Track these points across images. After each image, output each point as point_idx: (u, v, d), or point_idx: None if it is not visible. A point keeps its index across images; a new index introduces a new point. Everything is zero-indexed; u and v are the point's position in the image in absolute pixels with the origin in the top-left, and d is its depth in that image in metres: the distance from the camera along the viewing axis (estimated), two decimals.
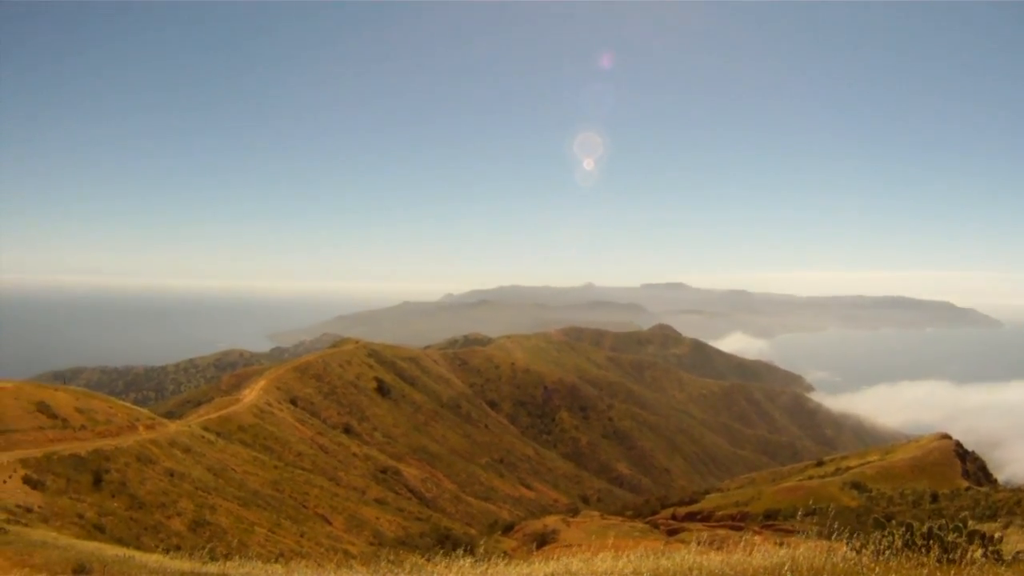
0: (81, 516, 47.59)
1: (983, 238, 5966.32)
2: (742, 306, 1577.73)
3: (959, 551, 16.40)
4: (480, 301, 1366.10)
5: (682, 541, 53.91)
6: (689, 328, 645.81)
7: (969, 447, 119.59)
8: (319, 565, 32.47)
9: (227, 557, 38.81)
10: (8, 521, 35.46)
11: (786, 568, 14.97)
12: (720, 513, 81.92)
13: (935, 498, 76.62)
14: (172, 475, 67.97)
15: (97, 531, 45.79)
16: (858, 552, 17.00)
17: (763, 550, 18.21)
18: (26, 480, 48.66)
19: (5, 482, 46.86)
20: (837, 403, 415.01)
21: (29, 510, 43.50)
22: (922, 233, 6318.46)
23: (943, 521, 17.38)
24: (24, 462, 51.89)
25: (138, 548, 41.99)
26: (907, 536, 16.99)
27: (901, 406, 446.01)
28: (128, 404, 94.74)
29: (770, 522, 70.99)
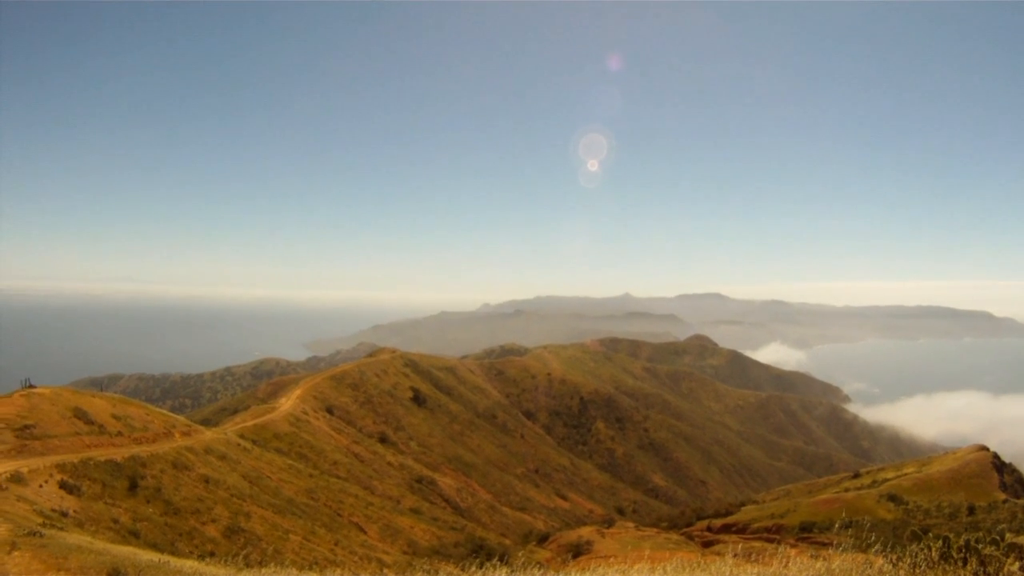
0: (116, 521, 47.57)
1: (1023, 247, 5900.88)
2: (780, 316, 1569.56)
3: (996, 564, 16.05)
4: (517, 311, 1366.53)
5: (717, 553, 53.21)
6: (726, 339, 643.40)
7: (1007, 459, 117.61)
8: (353, 574, 32.27)
9: (261, 564, 38.77)
10: (44, 525, 35.39)
11: None
12: (756, 525, 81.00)
13: (972, 511, 75.54)
14: (207, 482, 68.00)
15: (132, 536, 45.74)
16: (894, 565, 16.68)
17: (798, 563, 17.90)
18: (62, 485, 48.67)
19: (41, 487, 46.90)
20: (874, 414, 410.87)
21: (65, 514, 43.49)
22: (961, 242, 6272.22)
23: (980, 534, 17.04)
24: (60, 467, 51.96)
25: (173, 554, 41.91)
26: (944, 549, 16.69)
27: (938, 417, 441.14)
28: (165, 411, 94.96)
29: (806, 535, 70.19)
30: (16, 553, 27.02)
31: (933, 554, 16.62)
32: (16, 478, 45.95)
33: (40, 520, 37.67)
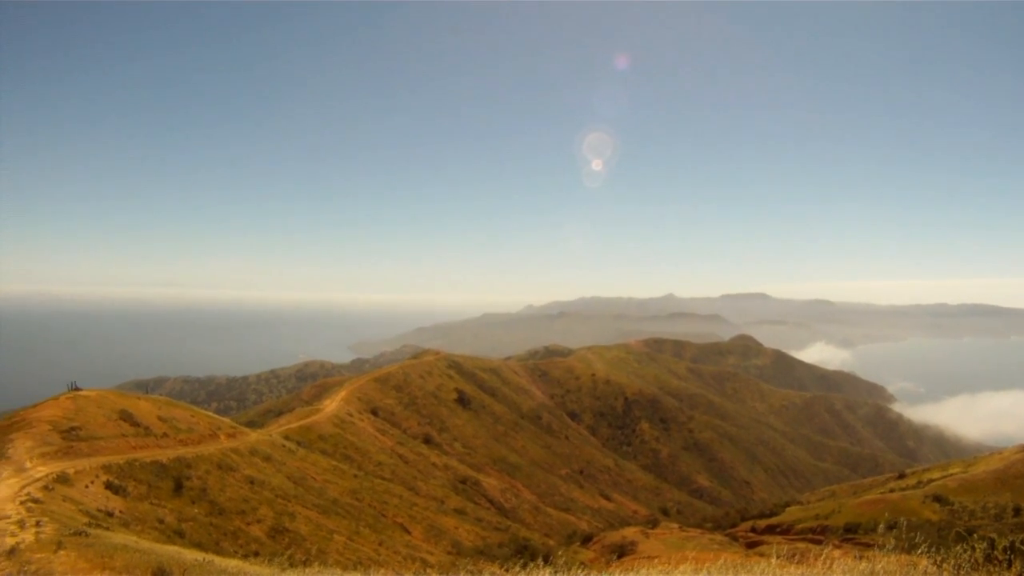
0: (161, 521, 47.84)
1: None
2: (824, 316, 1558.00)
3: None
4: (560, 312, 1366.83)
5: (761, 554, 52.74)
6: (771, 339, 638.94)
7: None
8: (397, 574, 32.17)
9: (305, 564, 38.79)
10: (89, 525, 35.64)
11: None
12: (800, 526, 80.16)
13: (1017, 511, 74.21)
14: (252, 482, 68.32)
15: (177, 536, 45.96)
16: (939, 566, 16.40)
17: (843, 564, 17.66)
18: (108, 486, 49.06)
19: (87, 487, 47.28)
20: (919, 414, 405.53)
21: (110, 514, 43.78)
22: (1007, 239, 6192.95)
23: None
24: (106, 468, 52.41)
25: (217, 553, 42.09)
26: (988, 550, 16.42)
27: (983, 416, 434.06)
28: (210, 413, 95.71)
29: (850, 536, 69.33)
30: (62, 552, 27.21)
31: (977, 555, 16.39)
32: (62, 479, 46.36)
33: (86, 520, 37.95)
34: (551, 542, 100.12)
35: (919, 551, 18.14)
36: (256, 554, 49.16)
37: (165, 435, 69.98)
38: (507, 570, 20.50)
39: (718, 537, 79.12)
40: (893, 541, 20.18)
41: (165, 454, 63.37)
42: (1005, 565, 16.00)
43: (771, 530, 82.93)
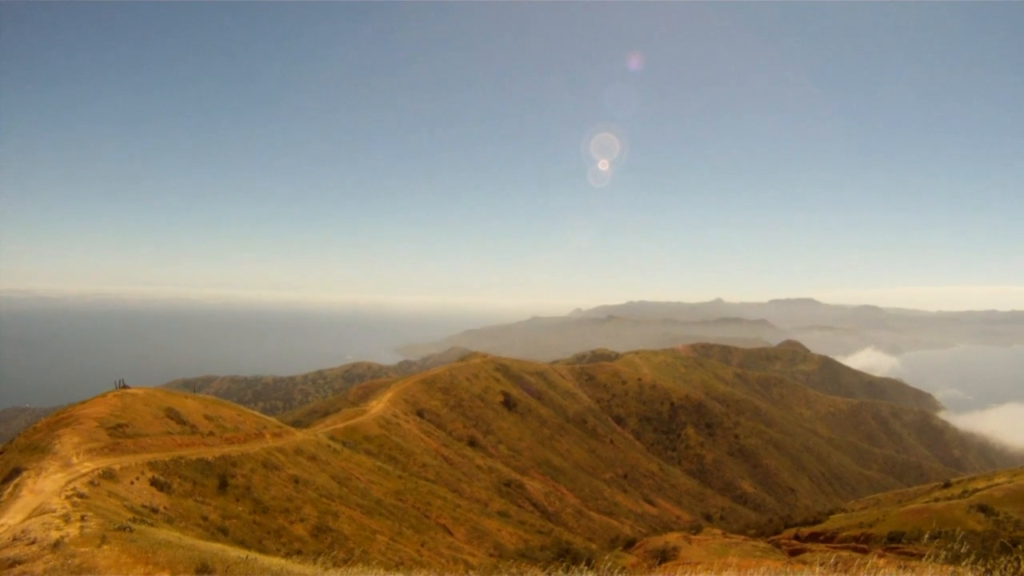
0: (205, 518, 48.21)
1: None
2: (872, 322, 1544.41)
3: None
4: (608, 316, 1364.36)
5: (804, 562, 52.17)
6: (818, 344, 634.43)
7: None
8: (439, 575, 32.19)
9: (348, 563, 38.87)
10: (134, 520, 35.98)
11: None
12: (844, 534, 79.28)
13: None
14: (297, 482, 68.67)
15: (220, 533, 46.32)
16: None
17: (887, 573, 17.53)
18: (153, 482, 49.56)
19: (133, 483, 47.77)
20: (965, 422, 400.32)
21: (155, 511, 44.22)
22: None
23: None
24: (152, 465, 52.94)
25: (260, 551, 42.36)
26: None
27: None
28: (256, 413, 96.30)
29: (894, 545, 68.50)
30: (106, 547, 27.45)
31: (1022, 567, 16.18)
32: (108, 475, 46.89)
33: (130, 515, 38.31)
34: (593, 546, 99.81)
35: (964, 562, 17.98)
36: (299, 553, 49.34)
37: (211, 433, 70.52)
38: (549, 573, 20.50)
39: (761, 544, 78.54)
40: (939, 551, 19.95)
41: (211, 452, 63.89)
42: None
43: (814, 538, 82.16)
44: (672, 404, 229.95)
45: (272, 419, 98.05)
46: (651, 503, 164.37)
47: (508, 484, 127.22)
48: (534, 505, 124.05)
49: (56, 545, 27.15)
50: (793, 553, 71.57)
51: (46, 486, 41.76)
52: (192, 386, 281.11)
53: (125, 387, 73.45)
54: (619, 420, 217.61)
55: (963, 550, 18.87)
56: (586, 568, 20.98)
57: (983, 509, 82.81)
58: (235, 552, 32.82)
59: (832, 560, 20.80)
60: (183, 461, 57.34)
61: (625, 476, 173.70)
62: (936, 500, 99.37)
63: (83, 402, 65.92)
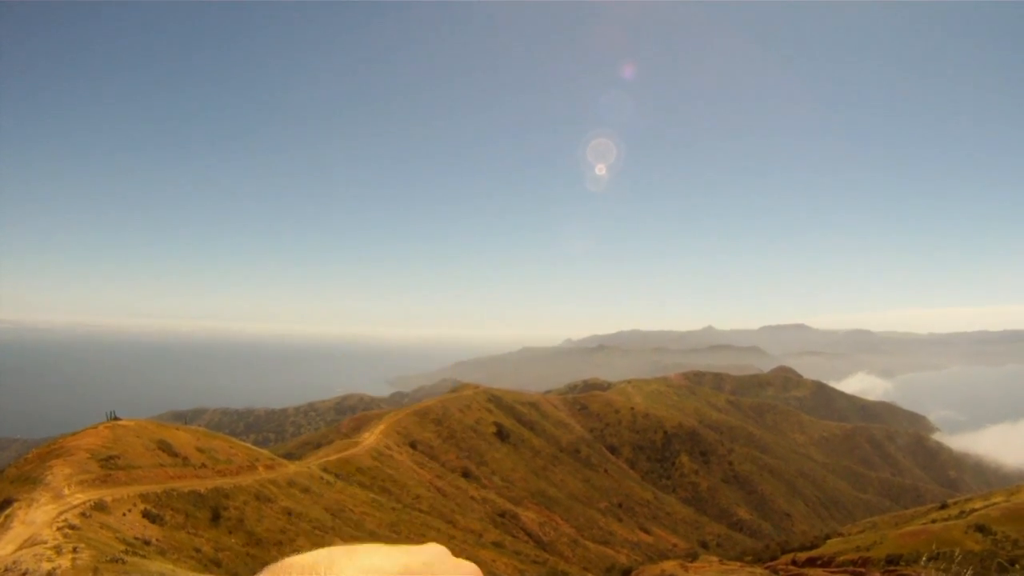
0: (198, 550, 47.77)
1: None
2: (864, 346, 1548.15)
3: None
4: (599, 346, 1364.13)
5: None
6: (811, 370, 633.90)
7: None
8: None
9: None
10: (126, 552, 35.59)
11: None
12: (841, 558, 79.02)
13: None
14: (290, 514, 68.20)
15: (213, 565, 45.85)
16: None
17: None
18: (145, 514, 49.14)
19: (125, 515, 47.35)
20: (959, 442, 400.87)
21: (147, 543, 43.78)
22: None
23: None
24: (144, 497, 52.53)
25: None
26: None
27: None
28: (248, 445, 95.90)
29: (892, 567, 68.22)
30: None
31: None
32: (100, 506, 46.46)
33: (122, 547, 37.91)
34: (590, 575, 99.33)
35: None
36: None
37: (203, 465, 70.07)
38: None
39: (758, 570, 78.19)
40: (935, 572, 19.82)
41: (203, 484, 63.44)
42: None
43: (812, 562, 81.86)
44: (665, 432, 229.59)
45: (264, 451, 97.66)
46: (646, 531, 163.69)
47: (502, 515, 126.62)
48: (529, 535, 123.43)
49: None
50: None
51: (37, 517, 41.36)
52: (183, 418, 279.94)
53: (116, 419, 73.02)
54: (613, 449, 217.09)
55: (961, 570, 18.67)
56: None
57: (981, 529, 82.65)
58: None
59: None
60: (175, 493, 56.89)
61: (620, 505, 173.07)
62: (933, 521, 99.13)
63: (74, 433, 65.50)
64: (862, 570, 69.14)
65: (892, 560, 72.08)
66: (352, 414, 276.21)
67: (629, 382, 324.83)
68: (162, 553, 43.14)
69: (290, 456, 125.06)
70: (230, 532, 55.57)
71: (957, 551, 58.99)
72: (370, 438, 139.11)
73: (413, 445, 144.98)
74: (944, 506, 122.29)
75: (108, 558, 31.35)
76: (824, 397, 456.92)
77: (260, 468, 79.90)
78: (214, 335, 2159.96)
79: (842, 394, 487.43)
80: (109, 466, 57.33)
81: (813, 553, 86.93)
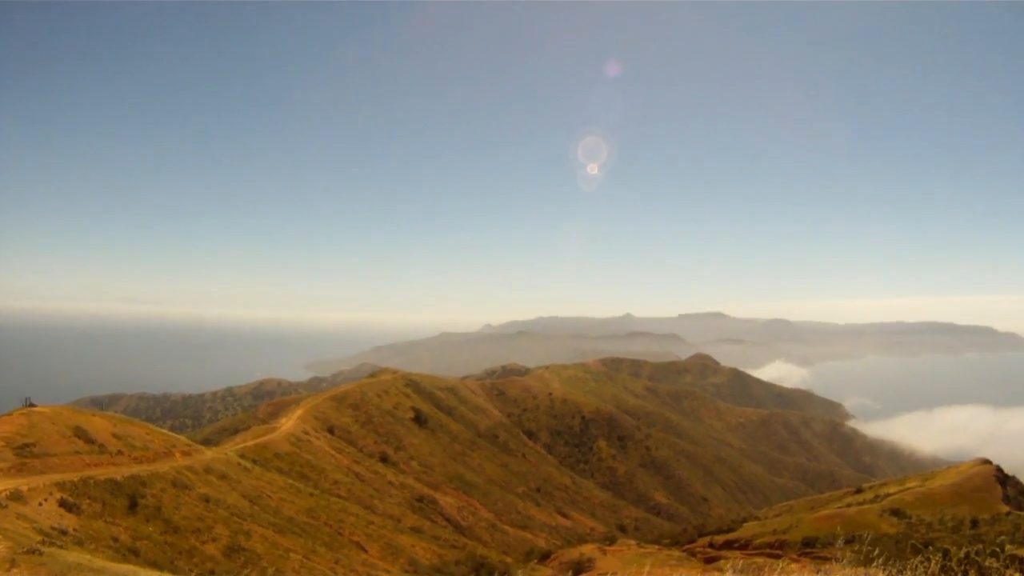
0: (116, 539, 47.48)
1: None
2: (782, 335, 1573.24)
3: None
4: (519, 332, 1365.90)
5: (719, 569, 53.17)
6: (729, 358, 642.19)
7: (1010, 472, 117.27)
8: None
9: None
10: (43, 543, 35.32)
11: None
12: (758, 541, 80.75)
13: (975, 524, 75.39)
14: (207, 501, 67.90)
15: (131, 554, 45.67)
16: None
17: None
18: (62, 503, 48.67)
19: (41, 505, 46.87)
20: (875, 429, 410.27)
21: (64, 532, 43.40)
22: (962, 257, 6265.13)
23: (981, 546, 17.16)
24: (60, 486, 51.95)
25: (172, 572, 41.91)
26: (944, 562, 16.83)
27: (939, 431, 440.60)
28: (165, 431, 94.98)
29: (808, 550, 70.06)
30: (15, 571, 26.98)
31: (933, 567, 16.73)
32: (15, 496, 45.93)
33: (39, 538, 37.60)
34: (509, 560, 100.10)
35: (876, 564, 18.48)
36: (212, 573, 48.98)
37: (120, 452, 69.43)
38: None
39: (676, 553, 79.58)
40: (850, 554, 20.56)
41: (120, 472, 62.87)
42: None
43: (729, 545, 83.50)
44: (583, 418, 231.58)
45: (181, 437, 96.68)
46: (565, 516, 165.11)
47: (421, 500, 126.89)
48: (447, 520, 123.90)
49: None
50: (708, 561, 72.72)
51: None
52: (100, 404, 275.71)
53: (31, 405, 71.88)
54: (530, 434, 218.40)
55: (876, 553, 19.40)
56: None
57: (896, 513, 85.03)
58: (147, 573, 32.44)
59: (746, 566, 21.27)
60: (92, 481, 56.30)
61: (538, 490, 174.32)
62: (849, 506, 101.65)
63: None
64: (779, 552, 70.79)
65: (808, 543, 73.93)
66: (270, 399, 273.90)
67: (547, 368, 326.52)
68: (79, 543, 42.80)
69: (208, 442, 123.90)
70: (147, 520, 55.21)
71: (871, 534, 60.75)
72: (288, 423, 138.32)
73: (331, 430, 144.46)
74: (859, 491, 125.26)
75: (25, 549, 31.13)
76: (741, 384, 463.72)
77: (177, 455, 79.32)
78: (132, 319, 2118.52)
79: (759, 381, 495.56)
80: (24, 454, 56.61)
81: (730, 536, 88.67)
